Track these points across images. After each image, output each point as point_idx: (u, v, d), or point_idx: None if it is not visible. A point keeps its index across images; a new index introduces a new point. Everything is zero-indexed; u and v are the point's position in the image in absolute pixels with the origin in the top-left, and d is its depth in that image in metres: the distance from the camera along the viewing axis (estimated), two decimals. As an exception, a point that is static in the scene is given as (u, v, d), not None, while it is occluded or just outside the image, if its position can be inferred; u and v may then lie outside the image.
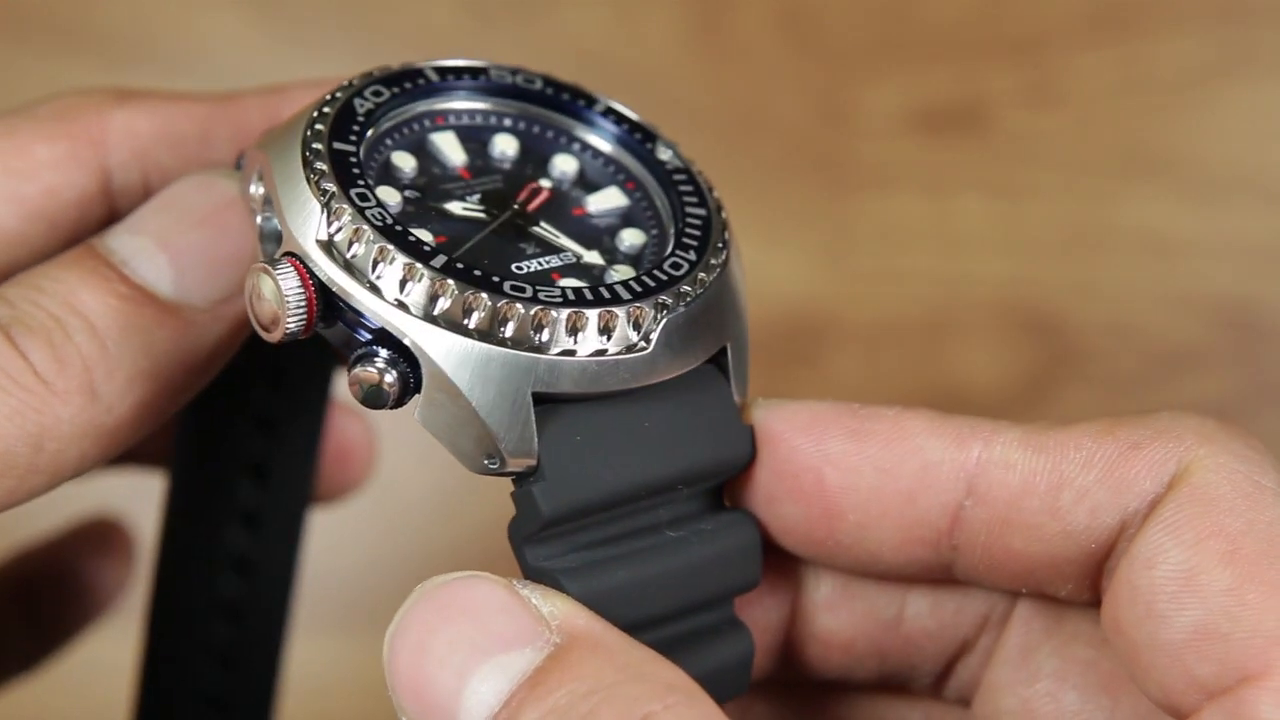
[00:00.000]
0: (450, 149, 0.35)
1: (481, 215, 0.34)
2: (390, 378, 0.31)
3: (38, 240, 0.37)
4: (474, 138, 0.36)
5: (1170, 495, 0.32)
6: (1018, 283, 0.74)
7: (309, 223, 0.31)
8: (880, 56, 0.76)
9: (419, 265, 0.30)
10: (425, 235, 0.32)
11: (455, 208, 0.34)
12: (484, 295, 0.30)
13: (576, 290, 0.32)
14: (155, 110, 0.38)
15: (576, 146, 0.37)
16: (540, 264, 0.33)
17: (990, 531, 0.34)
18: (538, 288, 0.31)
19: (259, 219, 0.33)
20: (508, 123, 0.37)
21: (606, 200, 0.36)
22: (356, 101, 0.34)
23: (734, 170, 0.74)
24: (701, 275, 0.33)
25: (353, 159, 0.32)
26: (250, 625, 0.45)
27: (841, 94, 0.75)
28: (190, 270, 0.35)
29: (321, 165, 0.32)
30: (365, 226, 0.31)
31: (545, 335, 0.31)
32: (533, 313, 0.31)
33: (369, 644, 0.67)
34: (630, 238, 0.35)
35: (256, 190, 0.33)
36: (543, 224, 0.34)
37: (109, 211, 0.38)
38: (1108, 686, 0.35)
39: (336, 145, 0.32)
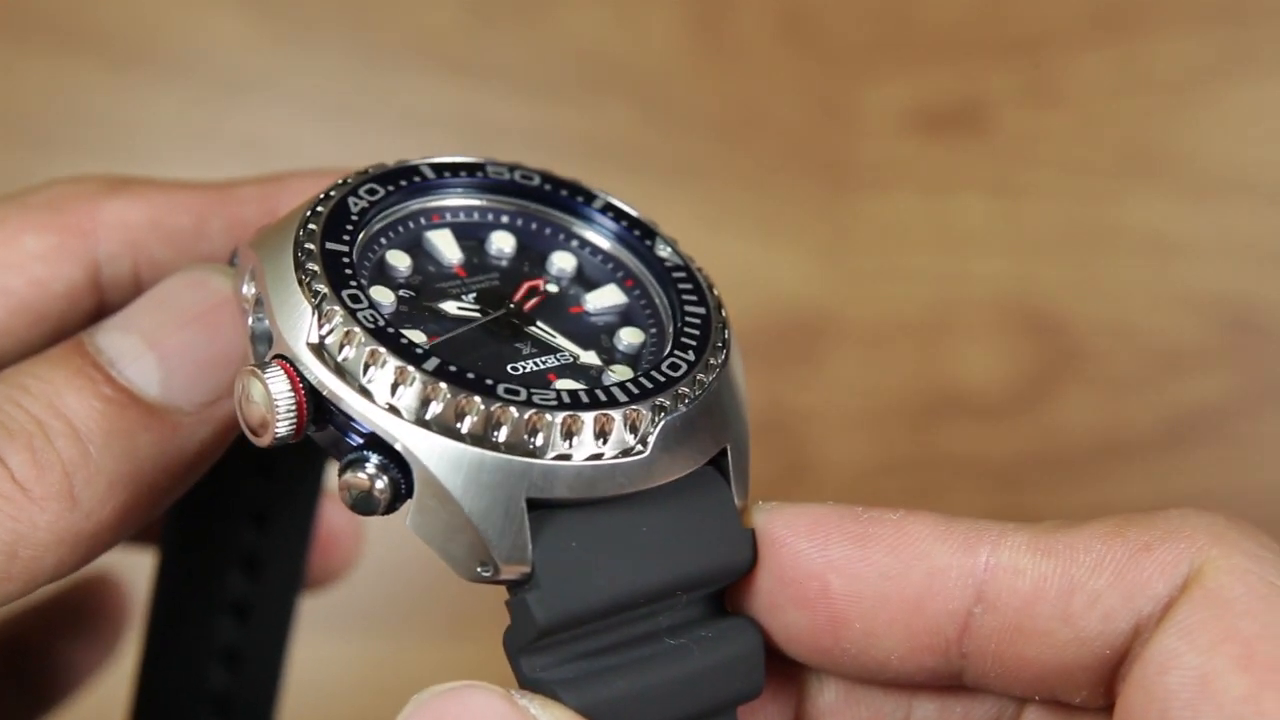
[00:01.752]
0: (446, 247, 0.35)
1: (476, 314, 0.33)
2: (381, 484, 0.30)
3: (24, 332, 0.36)
4: (470, 235, 0.35)
5: (1183, 598, 0.31)
6: (1018, 283, 0.74)
7: (300, 325, 0.31)
8: (880, 56, 0.76)
9: (411, 368, 0.30)
10: (418, 336, 0.32)
11: (450, 307, 0.33)
12: (477, 398, 0.30)
13: (572, 393, 0.31)
14: (148, 200, 0.38)
15: (575, 243, 0.36)
16: (536, 364, 0.33)
17: (1001, 639, 0.33)
18: (532, 390, 0.31)
19: (250, 320, 0.32)
20: (505, 219, 0.36)
21: (605, 298, 0.35)
22: (350, 200, 0.33)
23: (734, 170, 0.74)
24: (700, 376, 0.33)
25: (345, 259, 0.32)
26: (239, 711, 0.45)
27: (841, 94, 0.75)
28: (178, 372, 0.34)
29: (313, 266, 0.31)
30: (356, 329, 0.30)
31: (540, 440, 0.30)
32: (527, 416, 0.30)
33: (369, 645, 0.68)
34: (628, 337, 0.35)
35: (249, 290, 0.33)
36: (539, 323, 0.34)
37: (98, 303, 0.38)
38: None
39: (329, 245, 0.32)
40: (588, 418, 0.31)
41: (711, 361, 0.33)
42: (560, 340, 0.34)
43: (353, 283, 0.31)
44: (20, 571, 0.32)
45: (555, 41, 0.75)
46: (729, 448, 0.33)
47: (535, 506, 0.30)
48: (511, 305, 0.34)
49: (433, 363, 0.30)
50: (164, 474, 0.34)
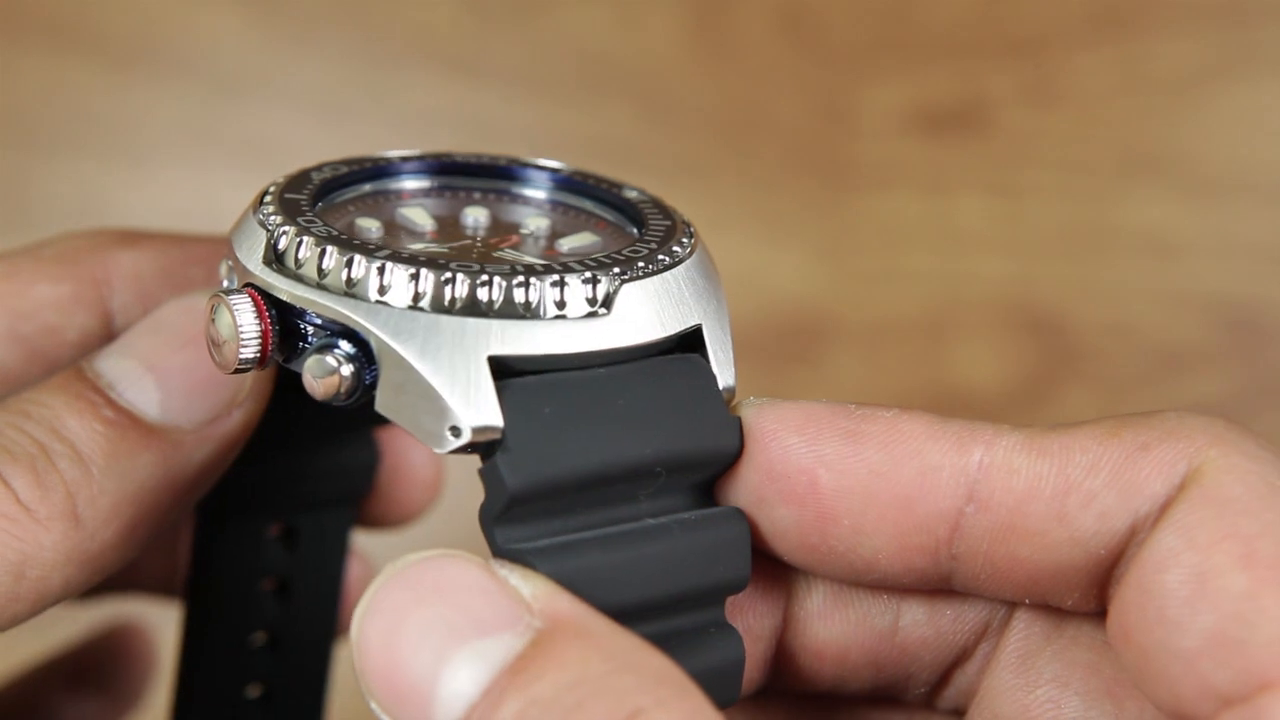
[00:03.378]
0: (419, 217, 0.35)
1: (442, 251, 0.33)
2: (348, 370, 0.30)
3: (37, 378, 0.37)
4: (445, 211, 0.36)
5: (1182, 497, 0.31)
6: (1018, 283, 0.74)
7: (255, 249, 0.32)
8: (880, 56, 0.76)
9: (362, 256, 0.31)
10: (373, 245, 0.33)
11: (415, 246, 0.33)
12: (430, 273, 0.30)
13: (527, 265, 0.31)
14: (161, 252, 0.39)
15: (548, 206, 0.37)
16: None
17: (993, 539, 0.33)
18: (487, 265, 0.31)
19: (225, 284, 0.33)
20: (477, 196, 0.37)
21: (578, 240, 0.36)
22: (313, 173, 0.35)
23: (734, 170, 0.74)
24: (661, 257, 0.33)
25: (304, 205, 0.33)
26: None
27: (841, 94, 0.75)
28: (176, 392, 0.35)
29: (269, 208, 0.33)
30: (309, 236, 0.31)
31: (497, 298, 0.30)
32: (480, 280, 0.30)
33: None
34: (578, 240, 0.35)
35: (223, 268, 0.34)
36: (505, 250, 0.34)
37: None
38: (1111, 691, 0.34)
39: (287, 196, 0.33)
40: (544, 281, 0.31)
41: (675, 249, 0.33)
42: (526, 260, 0.33)
43: (308, 211, 0.33)
44: (28, 592, 0.33)
45: (555, 41, 0.75)
46: (704, 328, 0.33)
47: (503, 373, 0.30)
48: (476, 242, 0.34)
49: (385, 252, 0.31)
50: (166, 493, 0.35)
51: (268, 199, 0.33)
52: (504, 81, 0.75)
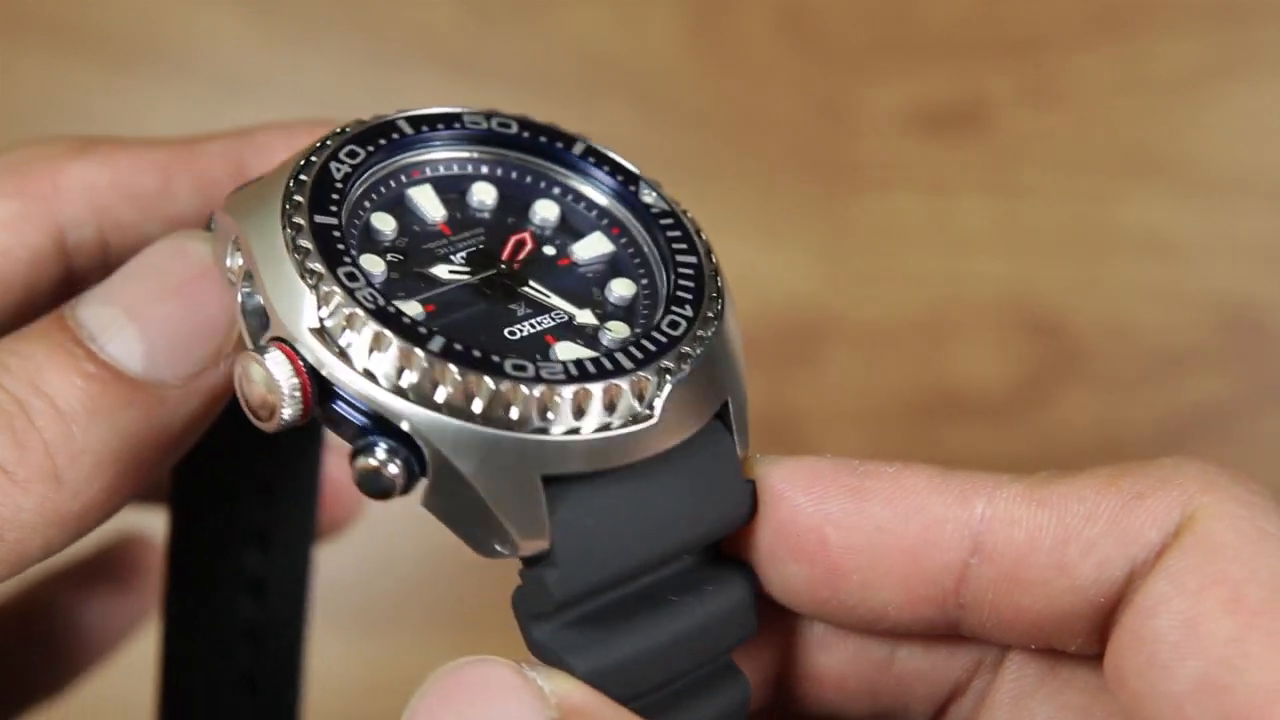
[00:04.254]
0: (429, 204, 0.34)
1: (467, 276, 0.33)
2: (394, 468, 0.30)
3: None
4: (451, 189, 0.35)
5: (1174, 544, 0.31)
6: (1018, 283, 0.74)
7: (298, 308, 0.30)
8: (880, 56, 0.76)
9: (417, 351, 0.29)
10: (414, 309, 0.31)
11: (441, 271, 0.33)
12: (486, 379, 0.29)
13: (577, 363, 0.31)
14: (112, 162, 0.37)
15: (557, 191, 0.36)
16: (532, 326, 0.33)
17: (998, 589, 0.33)
18: (539, 364, 0.30)
19: (240, 294, 0.32)
20: (485, 170, 0.36)
21: (592, 248, 0.35)
22: (333, 166, 0.33)
23: (734, 170, 0.74)
24: (700, 333, 0.33)
25: (336, 232, 0.31)
26: (264, 691, 0.45)
27: (841, 94, 0.75)
28: (162, 344, 0.34)
29: (305, 243, 0.31)
30: (358, 310, 0.30)
31: (551, 415, 0.30)
32: (538, 394, 0.30)
33: (370, 644, 0.68)
34: (620, 288, 0.34)
35: (233, 262, 0.32)
36: (531, 282, 0.34)
37: (65, 269, 0.37)
38: None
39: (318, 219, 0.31)
40: (597, 389, 0.30)
41: (709, 315, 0.33)
42: (554, 299, 0.34)
43: (346, 258, 0.31)
44: (7, 554, 0.32)
45: (555, 41, 0.75)
46: (730, 402, 0.34)
47: (549, 481, 0.30)
48: (502, 265, 0.34)
49: (437, 342, 0.30)
50: (151, 449, 0.34)
51: (298, 220, 0.31)
52: (504, 81, 0.75)
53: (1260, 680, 0.29)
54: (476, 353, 0.30)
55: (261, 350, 0.30)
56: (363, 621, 0.67)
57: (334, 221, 0.31)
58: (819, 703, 0.37)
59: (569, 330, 0.33)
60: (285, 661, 0.46)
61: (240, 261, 0.32)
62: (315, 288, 0.30)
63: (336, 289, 0.30)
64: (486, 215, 0.35)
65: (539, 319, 0.33)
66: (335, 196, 0.32)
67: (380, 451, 0.30)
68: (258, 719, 0.45)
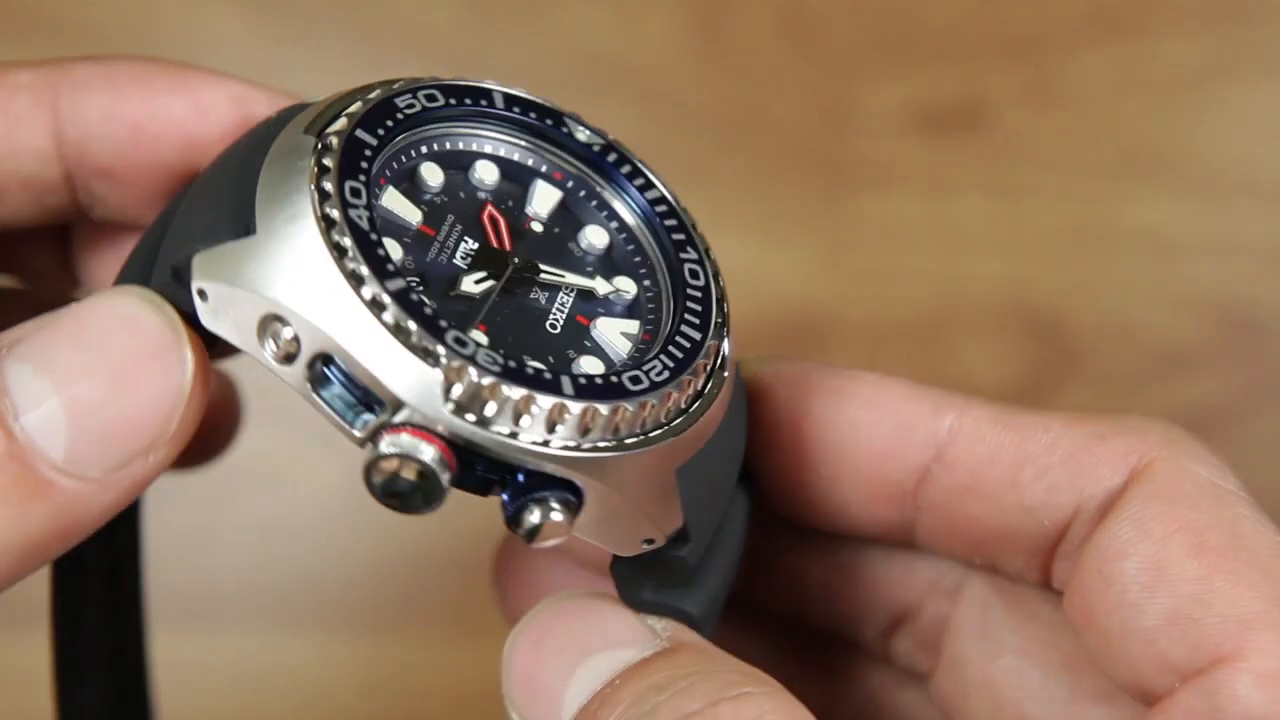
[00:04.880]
0: (403, 209, 0.33)
1: (491, 282, 0.33)
2: (562, 517, 0.30)
3: None
4: (414, 188, 0.34)
5: (1134, 491, 0.33)
6: (1018, 283, 0.74)
7: (425, 389, 0.28)
8: (880, 56, 0.76)
9: (568, 403, 0.30)
10: (481, 339, 0.31)
11: (470, 286, 0.32)
12: (627, 406, 0.30)
13: (668, 354, 0.32)
14: None
15: (556, 175, 0.36)
16: (560, 310, 0.33)
17: (953, 496, 0.35)
18: (649, 373, 0.31)
19: (301, 372, 0.29)
20: (489, 149, 0.35)
21: (544, 201, 0.35)
22: (354, 214, 0.30)
23: (734, 170, 0.74)
24: (721, 282, 0.34)
25: (414, 296, 0.29)
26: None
27: (841, 94, 0.75)
28: (89, 433, 0.29)
29: (404, 321, 0.29)
30: (488, 379, 0.29)
31: (672, 413, 0.32)
32: (662, 396, 0.31)
33: (370, 644, 0.68)
34: (592, 237, 0.35)
35: (282, 336, 0.29)
36: (542, 267, 0.34)
37: None
38: (1069, 665, 0.37)
39: (390, 285, 0.29)
40: (689, 374, 0.32)
41: (721, 283, 0.35)
42: (567, 277, 0.34)
43: (442, 323, 0.29)
44: None
45: (555, 41, 0.75)
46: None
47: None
48: (514, 261, 0.33)
49: (568, 384, 0.30)
50: (53, 542, 0.30)
51: (374, 293, 0.29)
52: (504, 81, 0.74)
53: (1228, 612, 0.31)
54: (610, 379, 0.31)
55: (379, 439, 0.29)
56: (363, 621, 0.67)
57: (405, 284, 0.29)
58: (779, 602, 0.40)
59: (592, 303, 0.34)
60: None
61: (291, 332, 0.29)
62: (438, 364, 0.29)
63: (461, 362, 0.29)
64: (443, 196, 0.34)
65: (561, 300, 0.34)
66: (379, 244, 0.30)
67: (554, 504, 0.30)
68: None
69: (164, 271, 0.31)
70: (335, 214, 0.29)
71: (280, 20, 0.74)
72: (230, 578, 0.67)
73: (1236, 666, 0.31)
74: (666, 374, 0.31)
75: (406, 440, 0.28)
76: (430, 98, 0.34)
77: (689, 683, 0.30)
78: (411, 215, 0.33)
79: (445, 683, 0.65)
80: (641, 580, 0.34)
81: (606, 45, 0.75)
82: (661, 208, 0.35)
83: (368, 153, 0.31)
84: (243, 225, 0.30)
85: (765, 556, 0.38)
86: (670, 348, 0.32)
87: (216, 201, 0.31)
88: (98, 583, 0.44)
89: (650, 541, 0.32)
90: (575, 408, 0.29)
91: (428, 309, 0.29)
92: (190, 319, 0.31)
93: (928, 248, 0.74)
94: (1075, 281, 0.74)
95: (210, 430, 0.45)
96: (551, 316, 0.33)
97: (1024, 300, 0.73)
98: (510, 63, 0.75)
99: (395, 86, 0.33)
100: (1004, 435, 0.35)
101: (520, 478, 0.30)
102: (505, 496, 0.30)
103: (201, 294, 0.30)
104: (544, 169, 0.35)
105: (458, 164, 0.34)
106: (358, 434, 0.29)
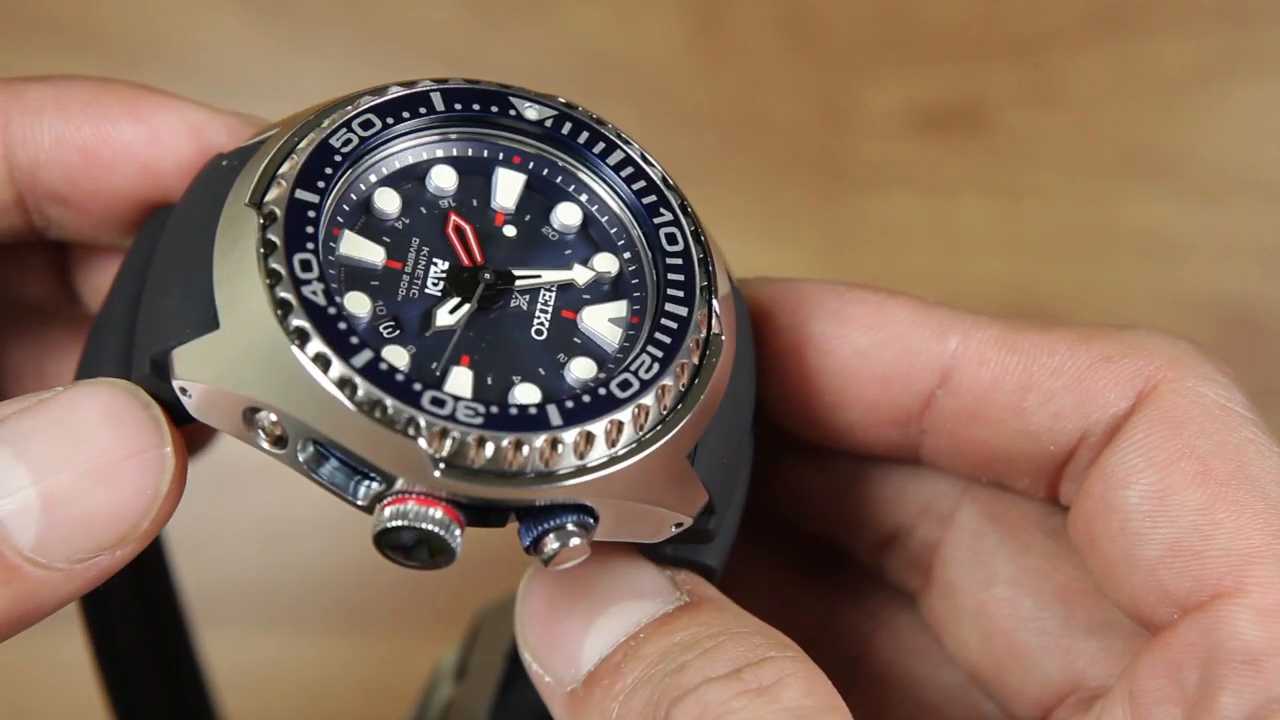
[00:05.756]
0: (366, 251, 0.32)
1: (467, 308, 0.32)
2: (579, 540, 0.30)
3: None
4: (372, 222, 0.33)
5: (1140, 416, 0.33)
6: (1018, 282, 0.74)
7: (411, 459, 0.29)
8: (880, 56, 0.76)
9: (559, 435, 0.29)
10: (465, 377, 0.31)
11: (444, 318, 0.32)
12: (622, 416, 0.30)
13: (654, 358, 0.31)
14: None
15: (529, 165, 0.35)
16: (544, 311, 0.33)
17: (957, 421, 0.35)
18: (638, 371, 0.31)
19: (302, 459, 0.29)
20: (440, 154, 0.34)
21: (567, 218, 0.34)
22: (307, 291, 0.29)
23: (734, 170, 0.74)
24: (704, 237, 0.34)
25: (383, 366, 0.29)
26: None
27: (841, 94, 0.75)
28: (60, 525, 0.29)
29: (377, 395, 0.29)
30: (471, 433, 0.29)
31: (669, 403, 0.31)
32: (653, 394, 0.31)
33: (369, 644, 0.68)
34: (564, 216, 0.34)
35: (267, 425, 0.29)
36: (515, 273, 0.33)
37: None
38: (1062, 596, 0.37)
39: (356, 362, 0.29)
40: (675, 362, 0.31)
41: (703, 258, 0.34)
42: (543, 275, 0.33)
43: (415, 387, 0.29)
44: None
45: (555, 41, 0.75)
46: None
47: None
48: (485, 277, 0.33)
49: (555, 413, 0.30)
50: (10, 623, 0.30)
51: (347, 377, 0.29)
52: (504, 81, 0.74)
53: (1230, 545, 0.31)
54: (598, 392, 0.30)
55: (382, 509, 0.29)
56: (363, 621, 0.67)
57: (372, 356, 0.29)
58: (776, 508, 0.40)
59: (574, 293, 0.33)
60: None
61: (273, 431, 0.29)
62: (419, 432, 0.29)
63: (441, 424, 0.29)
64: (404, 220, 0.33)
65: (544, 299, 0.33)
66: (339, 317, 0.30)
67: (570, 528, 0.30)
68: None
69: (143, 363, 0.31)
70: (289, 296, 0.29)
71: (280, 20, 0.74)
72: (230, 578, 0.67)
73: (1236, 601, 0.30)
74: (656, 367, 0.31)
75: (409, 509, 0.29)
76: (366, 125, 0.33)
77: (715, 643, 0.30)
78: (374, 255, 0.32)
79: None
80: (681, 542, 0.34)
81: (606, 45, 0.75)
82: (627, 170, 0.34)
83: (311, 214, 0.31)
84: (209, 316, 0.30)
85: (763, 465, 0.38)
86: (657, 334, 0.32)
87: (180, 287, 0.31)
88: (129, 603, 0.44)
89: (680, 525, 0.32)
90: (568, 436, 0.29)
91: (399, 376, 0.29)
92: (171, 409, 0.31)
93: (928, 247, 0.74)
94: (1075, 281, 0.74)
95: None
96: (536, 321, 0.32)
97: (1024, 300, 0.73)
98: (510, 63, 0.75)
99: (326, 125, 0.32)
100: (1009, 360, 0.34)
101: (531, 510, 0.30)
102: (520, 529, 0.30)
103: (184, 391, 0.30)
104: (501, 156, 0.34)
105: (412, 178, 0.33)
106: (361, 503, 0.30)
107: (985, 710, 0.39)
